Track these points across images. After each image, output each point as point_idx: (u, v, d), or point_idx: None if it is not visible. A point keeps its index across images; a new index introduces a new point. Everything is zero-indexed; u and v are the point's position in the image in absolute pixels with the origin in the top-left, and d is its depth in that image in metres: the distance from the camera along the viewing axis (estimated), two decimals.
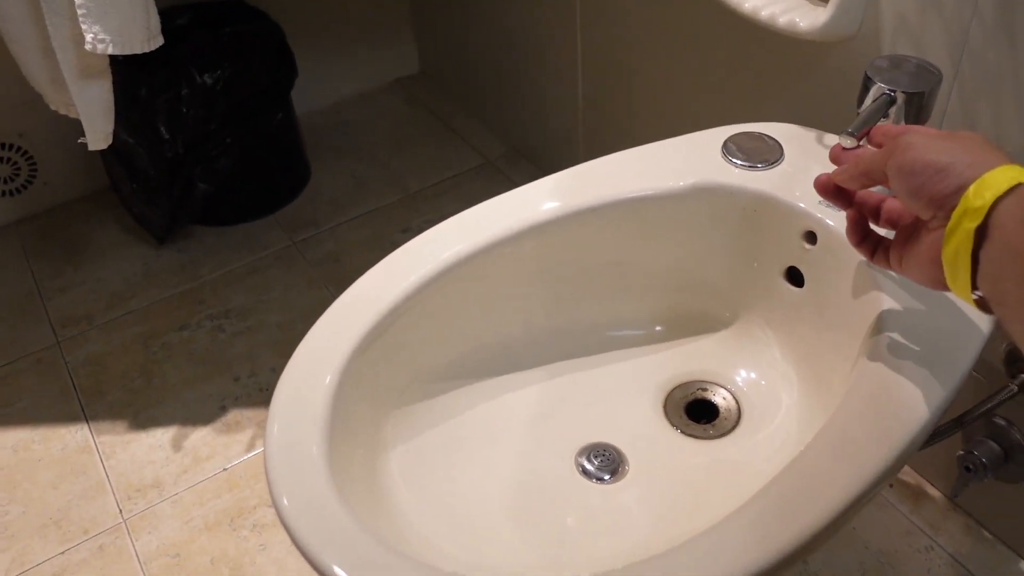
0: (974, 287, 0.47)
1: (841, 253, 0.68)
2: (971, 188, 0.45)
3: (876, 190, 0.58)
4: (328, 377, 0.63)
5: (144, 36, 0.96)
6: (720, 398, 0.77)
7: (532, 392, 0.77)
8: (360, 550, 0.52)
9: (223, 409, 1.21)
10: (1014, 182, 0.44)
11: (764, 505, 0.52)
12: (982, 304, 0.47)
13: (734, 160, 0.75)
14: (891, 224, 0.58)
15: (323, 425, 0.60)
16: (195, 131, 1.33)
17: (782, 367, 0.77)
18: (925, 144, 0.49)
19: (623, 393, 0.78)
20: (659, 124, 1.18)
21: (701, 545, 0.51)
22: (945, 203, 0.47)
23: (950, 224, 0.46)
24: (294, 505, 0.55)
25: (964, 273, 0.46)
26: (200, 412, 1.21)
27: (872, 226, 0.60)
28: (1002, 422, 0.86)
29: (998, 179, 0.44)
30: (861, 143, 0.60)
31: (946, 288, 0.50)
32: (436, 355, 0.75)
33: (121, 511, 1.09)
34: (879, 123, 0.62)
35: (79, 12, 0.91)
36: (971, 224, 0.44)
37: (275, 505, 0.55)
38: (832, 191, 0.59)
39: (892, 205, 0.58)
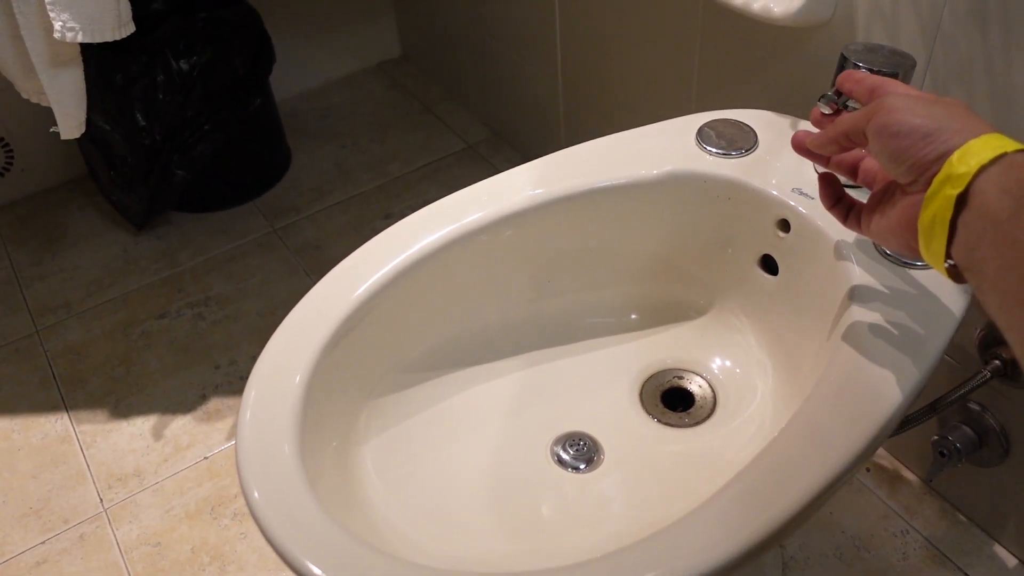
0: (947, 255, 0.46)
1: (815, 241, 0.68)
2: (955, 155, 0.44)
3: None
4: (300, 369, 0.62)
5: (114, 23, 0.94)
6: (696, 386, 0.78)
7: (508, 381, 0.77)
8: (332, 544, 0.52)
9: (203, 397, 1.20)
10: (999, 151, 0.43)
11: (735, 493, 0.53)
12: (953, 273, 0.47)
13: (708, 147, 0.75)
14: (867, 184, 0.57)
15: (295, 418, 0.60)
16: (172, 117, 1.32)
17: (757, 354, 0.77)
18: (910, 107, 0.48)
19: (599, 382, 0.78)
20: (637, 108, 1.18)
21: (673, 535, 0.51)
22: (927, 169, 0.46)
23: (930, 190, 0.46)
24: (265, 499, 0.55)
25: (940, 240, 0.46)
26: (180, 400, 1.20)
27: (847, 188, 0.59)
28: (976, 407, 0.87)
29: (983, 147, 0.44)
30: (845, 106, 0.59)
31: (917, 254, 0.50)
32: (412, 345, 0.75)
33: (102, 500, 1.09)
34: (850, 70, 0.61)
35: (47, 0, 0.89)
36: (953, 191, 0.44)
37: (246, 499, 0.55)
38: (807, 150, 0.58)
39: (870, 164, 0.57)
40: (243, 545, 1.03)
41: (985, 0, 0.67)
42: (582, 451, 0.73)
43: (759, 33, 0.91)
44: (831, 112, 0.59)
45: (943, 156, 0.45)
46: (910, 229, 0.49)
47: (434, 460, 0.71)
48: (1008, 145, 0.44)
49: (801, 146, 0.58)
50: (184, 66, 1.29)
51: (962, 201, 0.44)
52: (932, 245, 0.47)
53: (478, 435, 0.74)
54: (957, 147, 0.45)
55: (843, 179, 0.59)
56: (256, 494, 0.55)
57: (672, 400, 0.77)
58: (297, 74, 1.72)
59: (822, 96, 0.59)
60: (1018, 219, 0.40)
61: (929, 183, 0.46)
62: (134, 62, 1.27)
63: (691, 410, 0.76)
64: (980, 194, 0.43)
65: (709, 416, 0.75)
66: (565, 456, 0.73)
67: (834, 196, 0.59)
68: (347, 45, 1.79)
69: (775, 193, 0.71)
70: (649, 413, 0.76)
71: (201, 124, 1.35)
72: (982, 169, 0.43)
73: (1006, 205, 0.41)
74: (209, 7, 1.35)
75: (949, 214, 0.44)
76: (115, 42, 0.99)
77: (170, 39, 1.28)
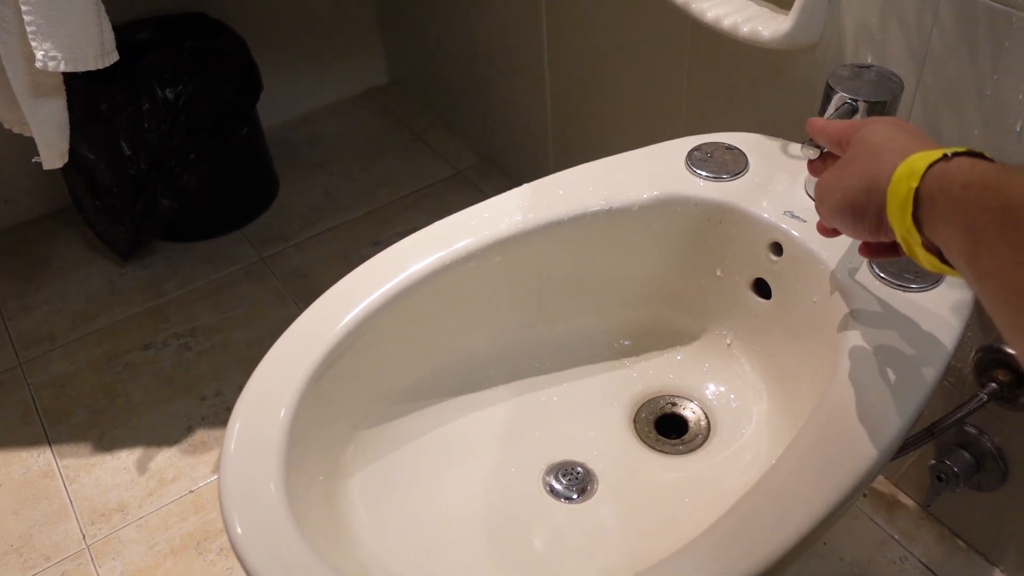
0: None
1: (807, 264, 0.67)
2: (888, 214, 0.46)
3: None
4: (286, 400, 0.61)
5: (97, 52, 0.94)
6: (690, 412, 0.76)
7: (498, 410, 0.76)
8: None
9: (189, 429, 1.18)
10: (909, 191, 0.44)
11: (732, 525, 0.51)
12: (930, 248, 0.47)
13: (699, 171, 0.74)
14: None
15: (280, 450, 0.58)
16: (158, 147, 1.31)
17: (751, 380, 0.76)
18: (828, 194, 0.52)
19: (591, 409, 0.77)
20: (627, 133, 1.18)
21: (668, 570, 0.49)
22: (879, 227, 0.49)
23: (899, 237, 0.46)
24: (249, 535, 0.53)
25: (938, 266, 0.46)
26: (166, 433, 1.18)
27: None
28: (973, 431, 0.86)
29: (899, 191, 0.45)
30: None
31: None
32: (400, 374, 0.73)
33: (84, 536, 1.07)
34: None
35: (28, 29, 0.89)
36: (914, 242, 0.45)
37: (229, 535, 0.53)
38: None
39: None
40: None
41: (974, 22, 0.67)
42: (575, 480, 0.71)
43: (748, 56, 0.90)
44: (816, 157, 0.59)
45: (882, 209, 0.47)
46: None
47: (423, 492, 0.69)
48: (912, 179, 0.44)
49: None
50: (170, 95, 1.28)
51: (929, 243, 0.44)
52: (942, 269, 0.46)
53: (468, 466, 0.72)
54: (884, 206, 0.46)
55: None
56: (239, 529, 0.53)
57: (666, 427, 0.76)
58: (285, 102, 1.72)
59: (804, 142, 0.59)
60: (978, 255, 0.40)
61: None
62: (119, 91, 1.26)
63: (685, 437, 0.75)
64: (935, 234, 0.43)
65: (704, 443, 0.74)
66: (558, 486, 0.71)
67: None
68: (335, 73, 1.79)
69: (767, 216, 0.70)
70: (643, 440, 0.74)
71: (187, 153, 1.34)
72: (916, 210, 0.44)
73: (961, 240, 0.41)
74: (196, 36, 1.35)
75: (928, 256, 0.45)
76: (100, 71, 0.98)
77: (156, 68, 1.28)
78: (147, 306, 1.38)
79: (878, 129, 0.51)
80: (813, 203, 0.62)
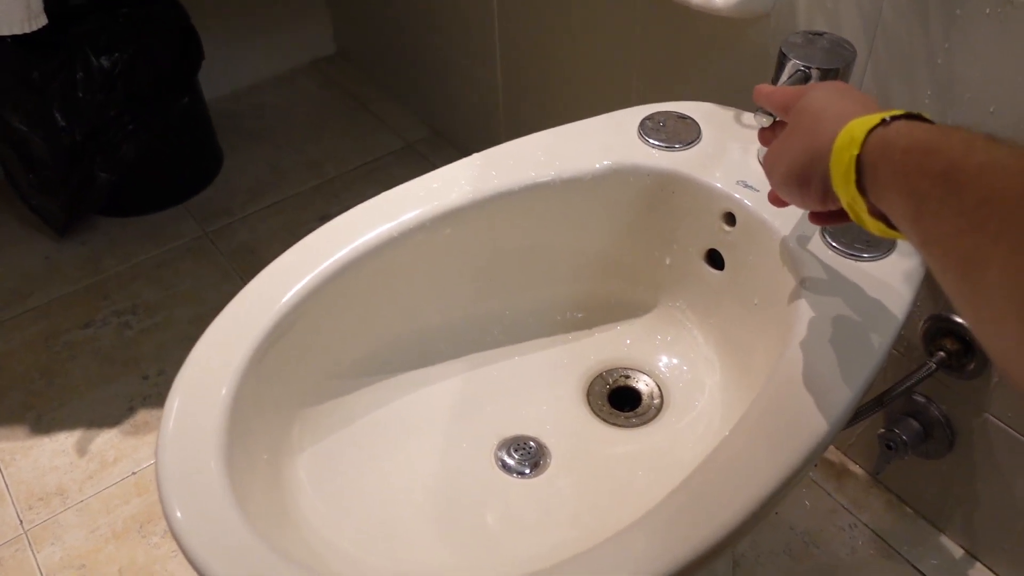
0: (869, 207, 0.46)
1: (760, 234, 0.67)
2: (832, 179, 0.45)
3: None
4: (228, 377, 0.59)
5: (23, 15, 0.89)
6: (643, 385, 0.76)
7: (449, 385, 0.75)
8: (263, 566, 0.49)
9: (131, 410, 1.15)
10: (851, 157, 0.43)
11: (685, 498, 0.51)
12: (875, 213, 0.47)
13: (651, 140, 0.73)
14: None
15: (222, 429, 0.56)
16: (94, 117, 1.26)
17: (704, 351, 0.75)
18: (774, 167, 0.52)
19: (544, 383, 0.76)
20: (578, 104, 1.16)
21: (621, 544, 0.49)
22: (826, 195, 0.48)
23: (845, 204, 0.46)
24: (189, 519, 0.51)
25: (884, 230, 0.45)
26: (106, 414, 1.15)
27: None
28: (921, 399, 0.86)
29: (841, 158, 0.44)
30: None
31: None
32: (348, 350, 0.71)
33: (22, 522, 1.03)
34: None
35: None
36: (861, 208, 0.45)
37: (167, 519, 0.51)
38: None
39: None
40: (175, 564, 0.98)
41: None
42: (528, 455, 0.70)
43: (700, 24, 0.89)
44: (769, 126, 0.59)
45: (826, 176, 0.46)
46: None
47: (372, 470, 0.68)
48: (853, 146, 0.43)
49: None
50: (105, 63, 1.23)
51: (874, 207, 0.44)
52: (884, 231, 0.46)
53: (419, 442, 0.71)
54: (828, 170, 0.46)
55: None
56: (179, 513, 0.51)
57: (619, 400, 0.75)
58: (228, 73, 1.67)
59: (757, 110, 0.59)
60: (922, 219, 0.39)
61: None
62: (52, 59, 1.21)
63: (639, 409, 0.74)
64: (880, 199, 0.43)
65: (657, 415, 0.73)
66: (510, 461, 0.70)
67: None
68: (279, 43, 1.74)
69: (719, 186, 0.69)
70: (596, 414, 0.74)
71: (125, 124, 1.29)
72: (859, 177, 0.43)
73: (905, 204, 0.40)
74: (131, 2, 1.29)
75: (872, 219, 0.45)
76: (30, 38, 0.93)
77: (90, 35, 1.22)
78: (85, 283, 1.33)
79: (818, 96, 0.50)
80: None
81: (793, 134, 0.51)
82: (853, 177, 0.44)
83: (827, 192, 0.47)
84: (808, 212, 0.55)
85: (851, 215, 0.46)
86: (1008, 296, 0.34)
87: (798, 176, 0.50)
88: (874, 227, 0.45)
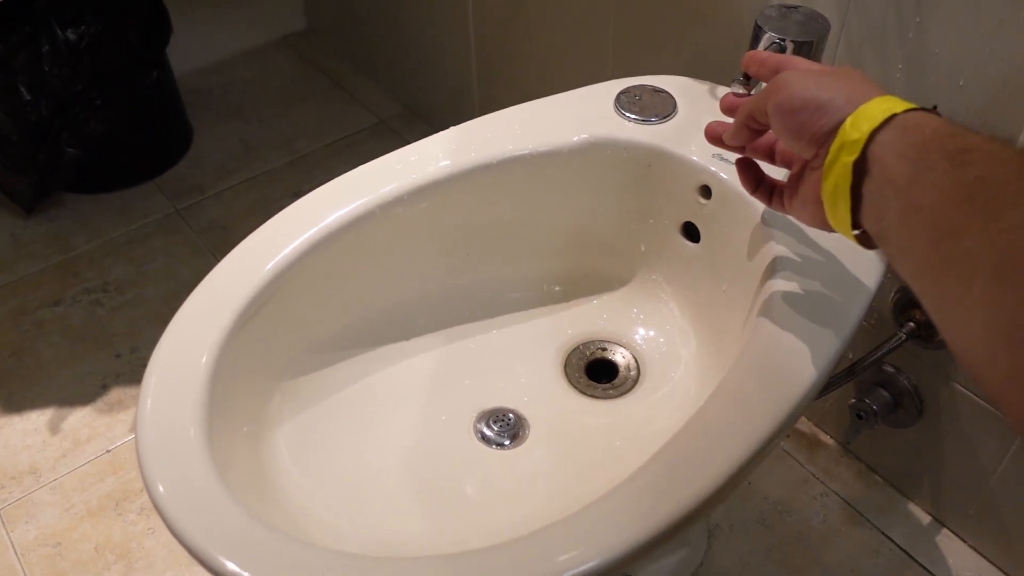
0: (856, 224, 0.46)
1: (736, 207, 0.67)
2: (847, 121, 0.44)
3: None
4: (206, 351, 0.58)
5: None
6: (620, 357, 0.76)
7: (428, 358, 0.75)
8: (245, 536, 0.49)
9: (104, 388, 1.14)
10: (889, 113, 0.43)
11: (661, 467, 0.51)
12: (864, 240, 0.47)
13: (627, 114, 0.74)
14: (785, 164, 0.57)
15: (201, 402, 0.56)
16: (60, 92, 1.23)
17: (680, 323, 0.76)
18: (803, 81, 0.48)
19: (522, 356, 0.76)
20: (553, 77, 1.16)
21: (597, 511, 0.49)
22: (825, 140, 0.46)
23: (828, 159, 0.45)
24: (171, 491, 0.51)
25: (844, 209, 0.45)
26: (79, 392, 1.14)
27: (767, 170, 0.59)
28: (891, 369, 0.88)
29: (874, 111, 0.43)
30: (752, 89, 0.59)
31: (832, 228, 0.49)
32: (326, 323, 0.71)
33: None
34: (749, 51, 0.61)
35: None
36: (849, 158, 0.43)
37: (149, 493, 0.51)
38: (722, 142, 0.58)
39: (784, 145, 0.56)
40: (151, 541, 0.98)
41: None
42: (507, 427, 0.71)
43: None
44: (744, 93, 0.58)
45: (838, 125, 0.45)
46: (820, 203, 0.48)
47: (352, 442, 0.68)
48: (897, 106, 0.43)
49: (716, 137, 0.58)
50: (72, 36, 1.21)
51: (863, 169, 0.43)
52: (837, 214, 0.47)
53: (398, 415, 0.71)
54: (850, 115, 0.44)
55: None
56: (161, 487, 0.51)
57: (597, 372, 0.76)
58: (198, 47, 1.64)
59: (734, 79, 0.58)
60: (918, 184, 0.40)
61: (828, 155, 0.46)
62: (16, 32, 1.18)
63: (616, 381, 0.75)
64: (879, 161, 0.43)
65: (634, 387, 0.74)
66: (489, 433, 0.70)
67: (755, 180, 0.58)
68: (250, 17, 1.71)
69: (696, 159, 0.70)
70: (574, 386, 0.74)
71: (92, 99, 1.27)
72: (875, 132, 0.43)
73: (905, 170, 0.41)
74: None
75: (848, 182, 0.44)
76: None
77: (55, 7, 1.20)
78: (55, 261, 1.32)
79: (857, 71, 0.50)
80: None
81: (831, 75, 0.48)
82: (875, 126, 0.43)
83: (828, 135, 0.46)
84: (734, 134, 0.55)
85: (828, 157, 0.45)
86: (978, 261, 0.35)
87: (822, 106, 0.46)
88: (832, 184, 0.45)
